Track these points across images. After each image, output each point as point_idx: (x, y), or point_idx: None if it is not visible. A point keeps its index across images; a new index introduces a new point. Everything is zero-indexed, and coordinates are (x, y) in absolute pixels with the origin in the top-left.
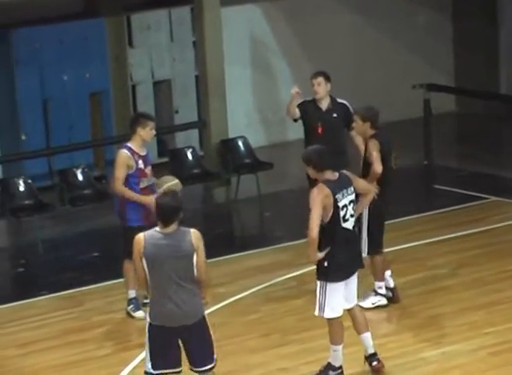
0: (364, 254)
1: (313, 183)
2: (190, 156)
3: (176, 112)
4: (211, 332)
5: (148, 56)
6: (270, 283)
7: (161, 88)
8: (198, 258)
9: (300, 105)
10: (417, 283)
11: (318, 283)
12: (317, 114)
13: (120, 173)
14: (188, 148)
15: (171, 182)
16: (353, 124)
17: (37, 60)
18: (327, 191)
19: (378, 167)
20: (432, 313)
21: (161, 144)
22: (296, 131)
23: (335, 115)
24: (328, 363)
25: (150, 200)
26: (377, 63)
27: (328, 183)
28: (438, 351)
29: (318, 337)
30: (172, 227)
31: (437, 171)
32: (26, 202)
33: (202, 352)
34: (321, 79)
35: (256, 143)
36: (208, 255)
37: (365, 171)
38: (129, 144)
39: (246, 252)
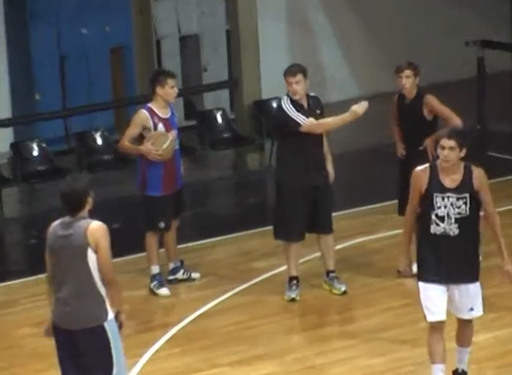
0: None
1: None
2: (219, 119)
3: (205, 70)
4: (113, 346)
5: (174, 8)
6: (311, 257)
7: (189, 44)
8: (98, 255)
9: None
10: None
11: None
12: (302, 113)
13: (131, 131)
14: (218, 109)
15: (165, 143)
16: (404, 80)
17: (53, 12)
18: None
19: (457, 119)
20: (484, 294)
21: (188, 106)
22: (339, 92)
23: (318, 111)
24: None
25: (148, 149)
26: (427, 18)
27: None
28: (489, 335)
29: (358, 318)
30: (76, 216)
31: (491, 136)
32: (40, 168)
33: (93, 365)
34: (300, 76)
35: None
36: (242, 227)
37: (421, 132)
38: (149, 105)
39: None
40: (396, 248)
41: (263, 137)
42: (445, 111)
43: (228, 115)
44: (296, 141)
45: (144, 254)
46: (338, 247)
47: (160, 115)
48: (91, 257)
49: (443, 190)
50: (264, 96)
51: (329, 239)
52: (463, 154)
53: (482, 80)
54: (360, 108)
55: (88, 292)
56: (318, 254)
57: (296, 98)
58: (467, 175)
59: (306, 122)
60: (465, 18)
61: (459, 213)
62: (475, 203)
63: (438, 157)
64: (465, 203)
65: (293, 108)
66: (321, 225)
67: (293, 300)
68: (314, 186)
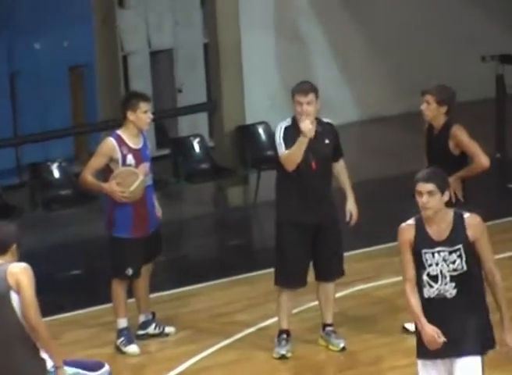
0: None
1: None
2: (196, 147)
3: (179, 90)
4: None
5: (143, 18)
6: (302, 307)
7: (161, 60)
8: (21, 296)
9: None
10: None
11: None
12: (310, 144)
13: (95, 162)
14: (195, 136)
15: (134, 184)
16: (423, 106)
17: (2, 24)
18: None
19: (485, 159)
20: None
21: (160, 132)
22: (336, 116)
23: (327, 141)
24: None
25: (112, 189)
26: (437, 30)
27: None
28: None
29: None
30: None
31: None
32: None
33: None
34: (312, 96)
35: None
36: (224, 273)
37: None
38: (118, 132)
39: (269, 270)
40: (401, 298)
41: (247, 167)
42: (470, 146)
43: (206, 142)
44: (294, 174)
45: (109, 305)
46: (336, 295)
47: (130, 145)
48: (16, 300)
49: (432, 244)
50: (249, 120)
51: (330, 287)
52: (446, 198)
53: (502, 100)
54: (303, 126)
55: (27, 347)
56: (314, 303)
57: (303, 120)
58: (459, 223)
59: (282, 153)
60: (481, 29)
61: (454, 270)
62: (473, 255)
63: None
64: (460, 256)
65: (282, 135)
66: (321, 270)
67: (283, 357)
68: (316, 224)
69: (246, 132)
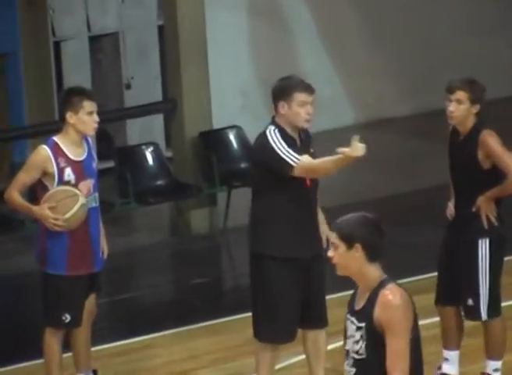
0: (484, 316)
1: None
2: (150, 159)
3: (127, 86)
4: None
5: None
6: (284, 363)
7: (103, 47)
8: None
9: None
10: None
11: None
12: (294, 151)
13: (23, 177)
14: (147, 145)
15: (71, 210)
16: (452, 107)
17: None
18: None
19: None
20: None
21: (102, 140)
22: (329, 118)
23: (312, 150)
24: None
25: (43, 215)
26: (454, 14)
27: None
28: None
29: None
30: None
31: None
32: None
33: None
34: (314, 96)
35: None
36: (186, 320)
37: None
38: (55, 139)
39: (243, 315)
40: None
41: (214, 184)
42: (501, 156)
43: (162, 153)
44: (286, 192)
45: (40, 361)
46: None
47: (69, 155)
48: None
49: (351, 310)
50: (217, 124)
51: (322, 337)
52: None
53: None
54: (354, 151)
55: None
56: (300, 358)
57: (307, 126)
58: (374, 294)
59: (300, 162)
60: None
61: (356, 352)
62: (377, 343)
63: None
64: (362, 337)
65: (285, 143)
66: (312, 315)
67: None
68: (312, 257)
69: (213, 139)
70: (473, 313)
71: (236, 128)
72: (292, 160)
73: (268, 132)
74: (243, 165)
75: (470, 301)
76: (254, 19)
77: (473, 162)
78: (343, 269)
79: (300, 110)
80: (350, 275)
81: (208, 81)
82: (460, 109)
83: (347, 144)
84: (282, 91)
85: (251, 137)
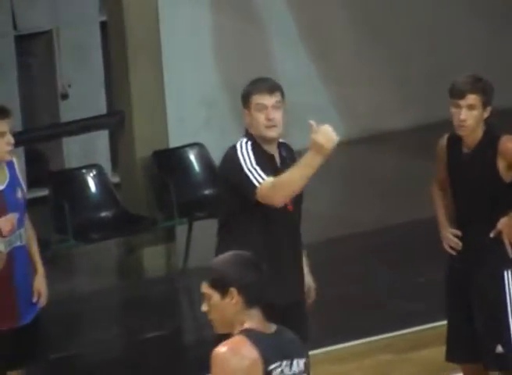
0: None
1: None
2: (92, 185)
3: (64, 95)
4: None
5: None
6: None
7: (34, 49)
8: None
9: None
10: None
11: None
12: (267, 171)
13: None
14: (89, 168)
15: None
16: (463, 114)
17: None
18: (252, 354)
19: None
20: None
21: (33, 164)
22: (307, 132)
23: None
24: None
25: None
26: (463, 5)
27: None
28: None
29: None
30: None
31: None
32: None
33: None
34: (279, 96)
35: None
36: None
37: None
38: None
39: None
40: None
41: (172, 216)
42: None
43: (107, 177)
44: (262, 222)
45: None
46: None
47: None
48: None
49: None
50: (174, 142)
51: None
52: None
53: None
54: (321, 135)
55: None
56: None
57: (272, 136)
58: None
59: (263, 183)
60: None
61: None
62: None
63: None
64: None
65: (254, 158)
66: None
67: None
68: (290, 303)
69: (170, 160)
70: (504, 363)
71: (199, 146)
72: (256, 180)
73: (238, 144)
74: (207, 191)
75: (499, 349)
76: (220, 14)
77: (491, 177)
78: (222, 324)
79: (258, 115)
80: (230, 330)
81: (162, 89)
82: (473, 116)
83: (337, 164)
84: (243, 96)
85: (217, 157)
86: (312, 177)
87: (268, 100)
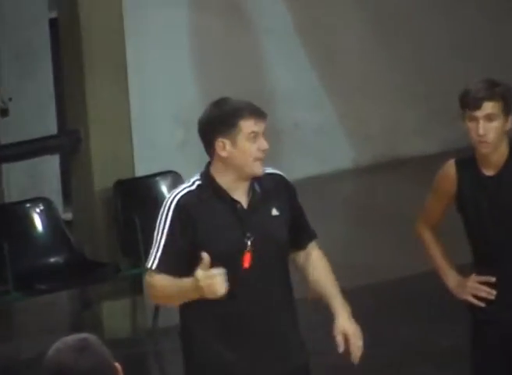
0: None
1: None
2: (39, 223)
3: (4, 112)
4: None
5: None
6: None
7: None
8: None
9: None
10: None
11: None
12: (240, 221)
13: None
14: (35, 202)
15: None
16: (482, 128)
17: None
18: None
19: None
20: None
21: None
22: (308, 158)
23: (274, 211)
24: None
25: None
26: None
27: None
28: None
29: None
30: None
31: None
32: None
33: None
34: (264, 122)
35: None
36: None
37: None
38: None
39: None
40: None
41: (139, 262)
42: None
43: (58, 214)
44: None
45: None
46: None
47: None
48: None
49: None
50: (142, 169)
51: None
52: None
53: None
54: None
55: None
56: None
57: (259, 172)
58: None
59: (152, 270)
60: None
61: None
62: None
63: None
64: None
65: (169, 220)
66: None
67: None
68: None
69: (136, 192)
70: None
71: (173, 175)
72: (148, 262)
73: (169, 194)
74: None
75: None
76: (200, 15)
77: None
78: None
79: (250, 146)
80: None
81: (128, 105)
82: (493, 129)
83: (342, 199)
84: (220, 121)
85: None
86: (319, 214)
87: (261, 127)
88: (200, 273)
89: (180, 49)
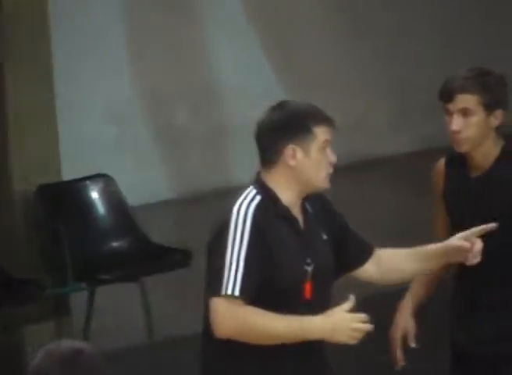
0: None
1: None
2: None
3: None
4: None
5: None
6: None
7: None
8: None
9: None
10: None
11: None
12: (301, 245)
13: None
14: None
15: None
16: (455, 124)
17: None
18: None
19: None
20: None
21: None
22: (244, 162)
23: (324, 236)
24: None
25: None
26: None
27: None
28: None
29: None
30: None
31: None
32: None
33: None
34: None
35: (143, 193)
36: None
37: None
38: None
39: None
40: None
41: (65, 280)
42: None
43: None
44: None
45: None
46: None
47: None
48: None
49: None
50: (70, 173)
51: None
52: None
53: None
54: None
55: None
56: None
57: (326, 186)
58: None
59: (227, 296)
60: None
61: None
62: None
63: None
64: None
65: (247, 238)
66: None
67: None
68: None
69: (62, 198)
70: None
71: (105, 179)
72: (226, 287)
73: (237, 206)
74: (116, 243)
75: None
76: (137, 7)
77: None
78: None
79: (322, 157)
80: None
81: (53, 99)
82: (470, 125)
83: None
84: (292, 125)
85: (131, 193)
86: None
87: (331, 135)
88: (347, 314)
89: (112, 38)
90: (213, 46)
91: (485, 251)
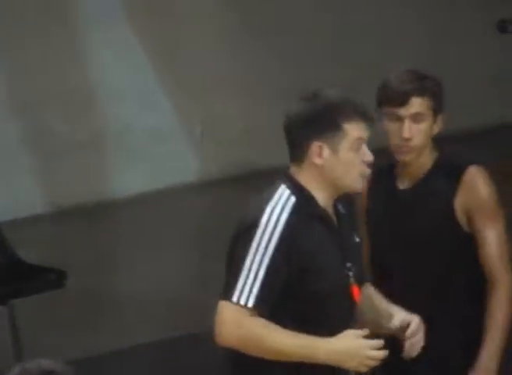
0: None
1: None
2: None
3: None
4: None
5: None
6: None
7: None
8: None
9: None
10: None
11: None
12: (340, 248)
13: None
14: None
15: None
16: (405, 131)
17: None
18: None
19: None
20: None
21: None
22: (123, 170)
23: (356, 238)
24: None
25: None
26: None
27: None
28: None
29: None
30: None
31: None
32: None
33: None
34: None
35: (12, 207)
36: None
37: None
38: None
39: None
40: None
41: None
42: (493, 227)
43: None
44: (306, 319)
45: None
46: None
47: None
48: None
49: None
50: None
51: None
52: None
53: None
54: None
55: None
56: None
57: (356, 189)
58: None
59: (239, 305)
60: None
61: None
62: None
63: None
64: None
65: (279, 237)
66: None
67: None
68: None
69: None
70: None
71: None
72: (240, 295)
73: (270, 207)
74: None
75: None
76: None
77: (446, 225)
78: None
79: (354, 157)
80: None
81: None
82: (420, 132)
83: (187, 215)
84: (319, 121)
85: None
86: (156, 240)
87: (368, 133)
88: (363, 340)
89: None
90: (89, 47)
91: (416, 268)
